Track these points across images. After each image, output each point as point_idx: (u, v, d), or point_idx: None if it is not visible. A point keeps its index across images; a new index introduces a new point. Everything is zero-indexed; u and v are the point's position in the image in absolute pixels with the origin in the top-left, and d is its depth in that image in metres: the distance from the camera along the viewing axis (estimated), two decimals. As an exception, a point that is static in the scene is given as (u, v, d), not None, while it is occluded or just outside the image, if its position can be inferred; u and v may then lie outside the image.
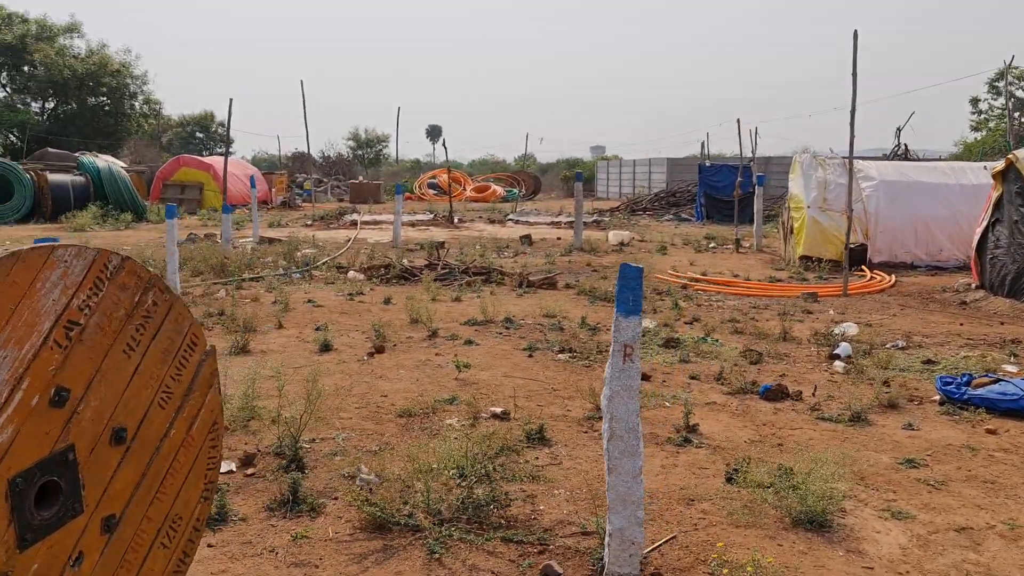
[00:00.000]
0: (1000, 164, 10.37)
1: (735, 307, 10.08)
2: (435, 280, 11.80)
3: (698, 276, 12.68)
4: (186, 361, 2.64)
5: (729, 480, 4.21)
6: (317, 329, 8.30)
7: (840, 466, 4.30)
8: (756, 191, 17.52)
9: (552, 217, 27.44)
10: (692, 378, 6.48)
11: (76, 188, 25.36)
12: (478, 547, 3.43)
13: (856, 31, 10.95)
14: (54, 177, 25.39)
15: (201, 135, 76.53)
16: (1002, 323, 8.82)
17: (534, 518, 3.73)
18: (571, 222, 25.68)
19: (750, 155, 21.14)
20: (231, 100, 22.17)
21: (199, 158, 32.83)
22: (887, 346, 7.68)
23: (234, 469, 4.36)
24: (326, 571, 3.25)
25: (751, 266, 14.49)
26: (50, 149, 32.21)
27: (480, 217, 27.10)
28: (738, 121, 19.76)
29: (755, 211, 17.37)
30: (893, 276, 12.61)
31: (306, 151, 39.51)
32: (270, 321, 8.63)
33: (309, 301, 10.09)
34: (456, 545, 3.43)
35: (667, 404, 5.71)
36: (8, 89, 53.42)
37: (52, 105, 53.44)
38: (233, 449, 4.58)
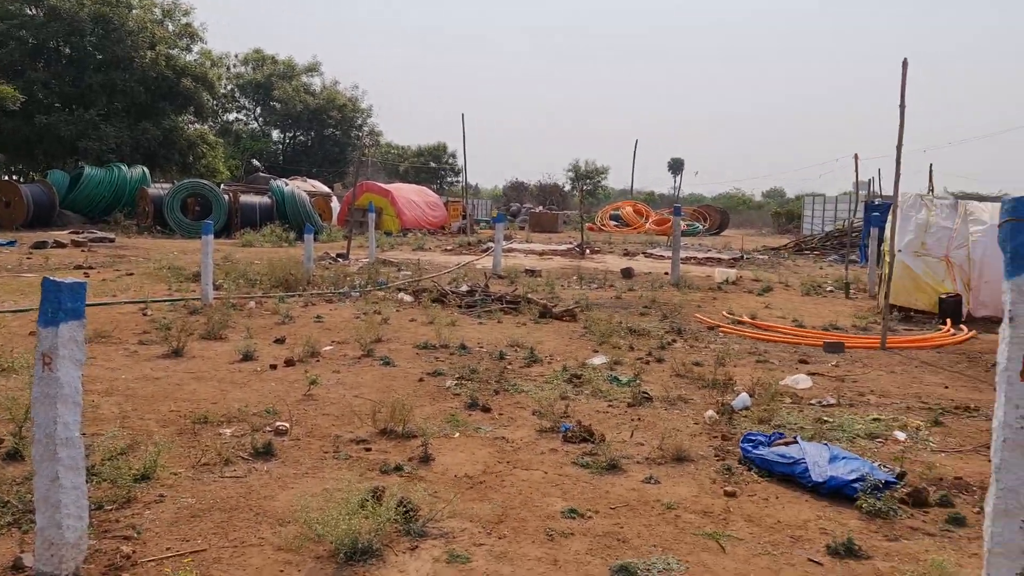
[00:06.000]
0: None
1: (734, 351, 9.32)
2: (461, 306, 12.07)
3: (742, 319, 11.82)
4: None
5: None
6: (275, 341, 8.89)
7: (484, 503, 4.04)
8: (872, 232, 15.91)
9: (705, 253, 26.52)
10: (535, 414, 6.21)
11: (262, 208, 28.53)
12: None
13: (905, 59, 9.77)
14: (245, 198, 28.78)
15: (434, 164, 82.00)
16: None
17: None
18: (732, 259, 24.72)
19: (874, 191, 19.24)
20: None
21: (381, 184, 35.42)
22: (812, 402, 6.83)
23: None
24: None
25: (837, 313, 13.19)
26: (261, 174, 36.41)
27: (624, 250, 26.80)
28: (855, 156, 18.18)
29: (869, 254, 15.77)
30: (972, 332, 10.95)
31: (464, 183, 40.80)
32: (259, 333, 9.32)
33: (318, 317, 10.75)
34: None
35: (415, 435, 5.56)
36: (259, 121, 60.91)
37: (291, 135, 60.15)
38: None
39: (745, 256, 25.25)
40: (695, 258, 23.68)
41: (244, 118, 59.92)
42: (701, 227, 42.85)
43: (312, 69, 59.79)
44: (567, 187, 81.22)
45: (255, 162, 51.22)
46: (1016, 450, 2.17)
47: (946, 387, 7.67)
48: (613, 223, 43.77)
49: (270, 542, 3.74)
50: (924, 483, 4.74)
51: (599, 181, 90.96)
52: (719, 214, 45.96)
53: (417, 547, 3.74)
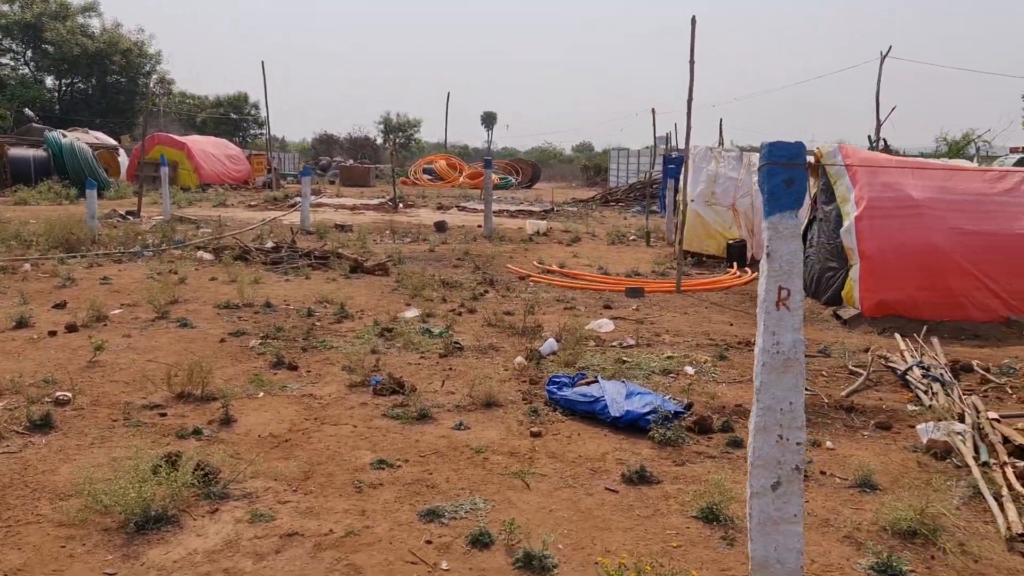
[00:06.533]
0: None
1: (543, 299, 9.62)
2: (266, 263, 11.61)
3: (551, 268, 12.23)
4: None
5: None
6: (55, 306, 8.14)
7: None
8: (669, 183, 16.91)
9: (518, 206, 27.06)
10: (345, 369, 6.11)
11: (37, 162, 25.81)
12: None
13: (694, 17, 10.34)
14: (16, 151, 25.90)
15: (235, 116, 76.90)
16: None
17: None
18: (543, 211, 25.32)
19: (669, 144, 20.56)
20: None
21: (175, 136, 33.04)
22: (614, 343, 7.22)
23: None
24: None
25: (639, 260, 13.93)
26: (34, 124, 32.82)
27: (438, 204, 26.80)
28: (653, 111, 19.43)
29: (667, 204, 16.77)
30: (755, 274, 11.99)
31: (268, 136, 38.77)
32: (35, 298, 8.46)
33: (104, 279, 9.94)
34: None
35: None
36: (30, 66, 54.65)
37: (68, 82, 54.53)
38: None
39: (555, 208, 26.05)
40: (507, 211, 24.10)
41: (12, 63, 53.49)
42: (514, 180, 43.53)
43: (89, 9, 54.11)
44: (379, 140, 79.30)
45: (27, 112, 45.95)
46: (772, 372, 2.40)
47: (731, 324, 8.36)
48: (427, 177, 43.48)
49: (49, 518, 3.45)
50: (709, 411, 5.16)
51: (412, 134, 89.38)
52: (531, 168, 46.86)
53: (218, 510, 3.60)
